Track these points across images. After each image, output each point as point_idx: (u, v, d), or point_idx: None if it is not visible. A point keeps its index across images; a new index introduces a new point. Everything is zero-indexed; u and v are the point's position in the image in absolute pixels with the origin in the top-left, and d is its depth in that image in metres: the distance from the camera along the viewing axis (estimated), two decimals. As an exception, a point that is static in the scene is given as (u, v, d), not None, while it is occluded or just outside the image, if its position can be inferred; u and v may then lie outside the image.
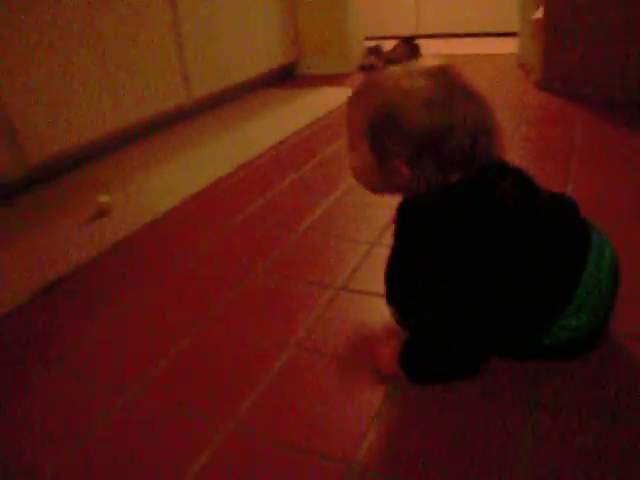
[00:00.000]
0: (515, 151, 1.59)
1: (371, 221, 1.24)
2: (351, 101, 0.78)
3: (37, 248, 1.26)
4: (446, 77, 0.73)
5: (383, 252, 1.09)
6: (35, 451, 0.71)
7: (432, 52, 3.27)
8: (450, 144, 0.69)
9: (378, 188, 0.80)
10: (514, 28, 2.92)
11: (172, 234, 1.27)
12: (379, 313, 0.92)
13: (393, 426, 0.70)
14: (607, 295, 0.74)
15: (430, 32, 3.95)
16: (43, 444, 0.72)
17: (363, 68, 2.85)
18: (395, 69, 0.75)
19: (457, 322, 0.73)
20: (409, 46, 2.95)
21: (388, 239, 1.14)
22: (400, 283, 0.78)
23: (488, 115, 0.74)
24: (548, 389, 0.73)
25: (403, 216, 0.76)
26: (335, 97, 2.37)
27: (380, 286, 0.98)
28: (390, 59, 2.86)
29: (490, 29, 3.81)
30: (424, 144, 0.69)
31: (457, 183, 0.71)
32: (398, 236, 0.77)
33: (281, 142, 1.87)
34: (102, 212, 1.40)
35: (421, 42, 3.15)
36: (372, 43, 3.16)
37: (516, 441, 0.66)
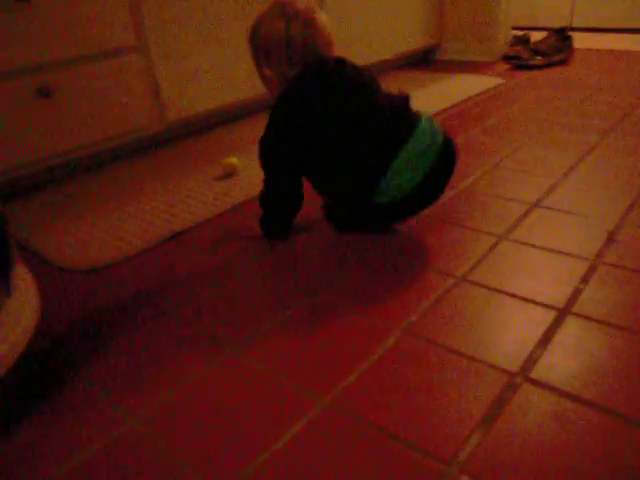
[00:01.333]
0: (674, 158, 1.42)
1: (499, 214, 1.16)
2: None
3: (166, 199, 1.31)
4: (290, 8, 1.02)
5: (510, 247, 1.02)
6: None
7: (586, 46, 3.02)
8: (288, 47, 1.01)
9: (271, 92, 1.10)
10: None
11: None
12: (498, 308, 0.85)
13: (501, 433, 0.64)
14: (424, 166, 0.97)
15: (585, 25, 3.66)
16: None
17: (507, 58, 2.69)
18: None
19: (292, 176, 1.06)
20: (561, 37, 2.75)
21: (517, 234, 1.06)
22: (265, 149, 1.05)
23: (313, 29, 1.02)
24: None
25: (273, 105, 1.04)
26: (475, 84, 2.26)
27: (502, 282, 0.92)
28: (538, 50, 2.68)
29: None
30: (272, 50, 1.03)
31: (299, 71, 1.02)
32: (269, 116, 1.04)
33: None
34: (229, 173, 1.44)
35: (576, 35, 2.93)
36: (519, 33, 2.98)
37: None
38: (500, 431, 0.64)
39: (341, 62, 1.04)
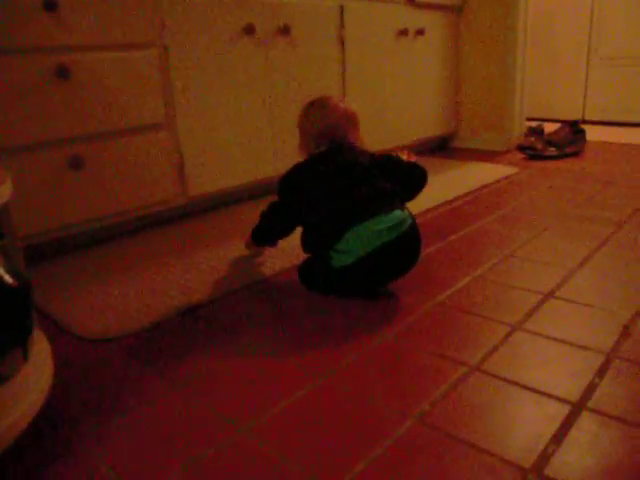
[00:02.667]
0: (688, 252, 1.42)
1: (513, 303, 1.17)
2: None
3: (183, 273, 1.34)
4: (328, 103, 1.35)
5: (524, 337, 1.02)
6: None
7: (598, 138, 3.10)
8: (314, 132, 1.32)
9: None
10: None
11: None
12: (512, 400, 0.84)
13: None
14: (373, 245, 1.13)
15: (597, 118, 3.77)
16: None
17: (522, 148, 2.77)
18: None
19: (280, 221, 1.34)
20: (574, 130, 2.83)
21: (531, 324, 1.06)
22: (278, 189, 1.30)
23: (338, 123, 1.31)
24: None
25: None
26: (490, 173, 2.32)
27: (516, 373, 0.91)
28: (552, 141, 2.76)
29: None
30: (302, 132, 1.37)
31: (318, 151, 1.30)
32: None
33: (429, 209, 1.85)
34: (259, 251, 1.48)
35: (588, 128, 3.02)
36: (534, 124, 3.08)
37: None
38: (514, 531, 0.62)
39: (340, 147, 1.28)
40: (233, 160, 1.82)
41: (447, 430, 0.79)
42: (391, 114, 2.46)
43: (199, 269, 1.37)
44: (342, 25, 2.11)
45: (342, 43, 2.13)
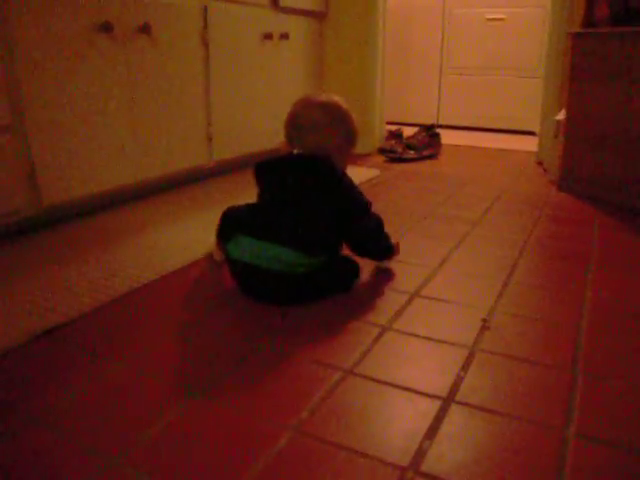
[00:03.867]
0: (533, 249, 1.57)
1: (383, 304, 1.21)
2: None
3: (37, 292, 1.22)
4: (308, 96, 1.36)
5: (394, 337, 1.06)
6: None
7: (451, 142, 3.32)
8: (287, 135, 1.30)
9: None
10: (533, 127, 2.98)
11: (179, 293, 1.23)
12: (386, 401, 0.87)
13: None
14: (237, 256, 1.18)
15: (450, 123, 4.05)
16: None
17: (383, 151, 2.89)
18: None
19: None
20: (430, 134, 3.01)
21: (400, 324, 1.10)
22: None
23: (301, 122, 1.28)
24: None
25: None
26: (354, 175, 2.38)
27: (388, 373, 0.94)
28: (410, 144, 2.91)
29: (509, 126, 3.90)
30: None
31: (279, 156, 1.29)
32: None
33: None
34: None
35: (442, 131, 3.23)
36: (393, 127, 3.23)
37: None
38: (395, 532, 0.63)
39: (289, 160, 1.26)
40: (92, 166, 1.70)
41: (326, 438, 0.79)
42: (256, 117, 2.45)
43: (55, 286, 1.26)
44: (206, 26, 2.06)
45: (206, 44, 2.08)
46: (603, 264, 1.45)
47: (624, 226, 1.79)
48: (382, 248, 1.33)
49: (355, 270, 1.28)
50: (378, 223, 1.30)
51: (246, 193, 2.05)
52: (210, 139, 2.18)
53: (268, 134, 2.54)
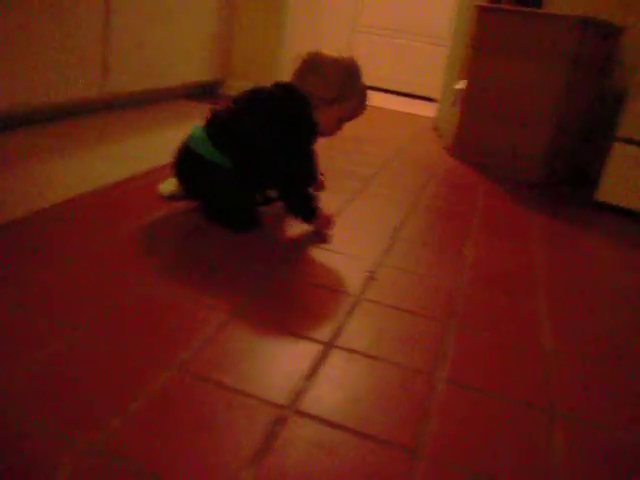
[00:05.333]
0: (421, 208, 1.64)
1: (281, 254, 1.21)
2: None
3: None
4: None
5: (281, 284, 1.07)
6: None
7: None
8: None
9: None
10: (434, 94, 3.07)
11: (57, 229, 1.17)
12: (269, 345, 0.88)
13: (272, 467, 0.65)
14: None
15: (355, 82, 4.06)
16: None
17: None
18: None
19: None
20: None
21: (288, 272, 1.12)
22: None
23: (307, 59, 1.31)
24: (431, 445, 0.72)
25: None
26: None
27: (273, 318, 0.95)
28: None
29: (412, 91, 3.99)
30: None
31: None
32: None
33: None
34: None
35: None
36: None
37: None
38: (270, 466, 0.65)
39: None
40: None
41: (208, 377, 0.79)
42: (158, 53, 2.32)
43: None
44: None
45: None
46: (484, 227, 1.55)
47: (506, 195, 1.91)
48: (301, 200, 1.30)
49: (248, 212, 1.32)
50: (302, 181, 1.33)
51: (144, 129, 1.96)
52: (107, 69, 2.04)
53: (169, 71, 2.42)
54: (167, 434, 0.68)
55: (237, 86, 2.96)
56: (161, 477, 0.62)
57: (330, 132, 1.36)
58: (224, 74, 2.93)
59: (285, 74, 2.94)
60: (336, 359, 0.87)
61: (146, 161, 1.65)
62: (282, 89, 1.30)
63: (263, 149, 1.24)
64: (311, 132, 1.32)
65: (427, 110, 3.34)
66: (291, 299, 1.03)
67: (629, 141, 1.88)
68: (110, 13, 1.99)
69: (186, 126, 2.07)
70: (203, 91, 2.90)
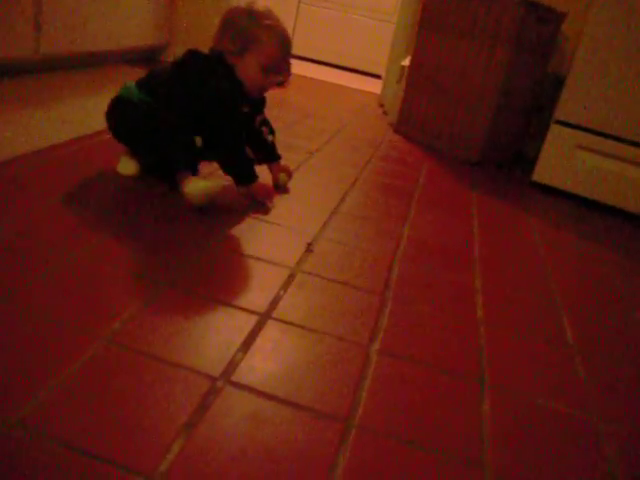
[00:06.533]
0: (363, 183, 1.64)
1: (212, 225, 1.19)
2: None
3: None
4: None
5: (220, 256, 1.05)
6: None
7: (301, 73, 3.31)
8: None
9: None
10: (380, 71, 3.07)
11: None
12: (204, 315, 0.86)
13: (203, 438, 0.64)
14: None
15: (302, 54, 4.02)
16: None
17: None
18: None
19: None
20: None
21: (227, 244, 1.09)
22: None
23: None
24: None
25: None
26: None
27: (209, 289, 0.93)
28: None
29: (358, 66, 3.97)
30: None
31: None
32: None
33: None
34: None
35: (293, 62, 3.20)
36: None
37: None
38: (202, 436, 0.64)
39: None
40: None
41: (139, 348, 0.77)
42: (94, 13, 2.20)
43: None
44: None
45: None
46: (424, 203, 1.57)
47: (447, 173, 1.94)
48: (234, 157, 1.27)
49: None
50: (233, 139, 1.27)
51: (82, 92, 1.87)
52: (39, 28, 1.92)
53: (106, 33, 2.31)
54: (96, 407, 0.65)
55: (178, 51, 2.86)
56: (90, 450, 0.59)
57: (257, 87, 1.29)
58: (167, 39, 2.83)
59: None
60: (271, 330, 0.86)
61: (82, 125, 1.58)
62: (210, 56, 1.30)
63: (188, 97, 1.24)
64: (227, 90, 1.24)
65: (373, 86, 3.35)
66: (227, 271, 1.01)
67: (565, 124, 1.93)
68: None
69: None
70: (145, 57, 2.80)
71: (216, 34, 1.29)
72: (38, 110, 1.64)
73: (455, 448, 0.71)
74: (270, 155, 1.47)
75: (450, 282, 1.15)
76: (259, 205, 1.29)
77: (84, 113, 1.71)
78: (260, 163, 1.42)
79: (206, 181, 1.23)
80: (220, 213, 1.23)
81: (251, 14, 1.25)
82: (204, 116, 1.22)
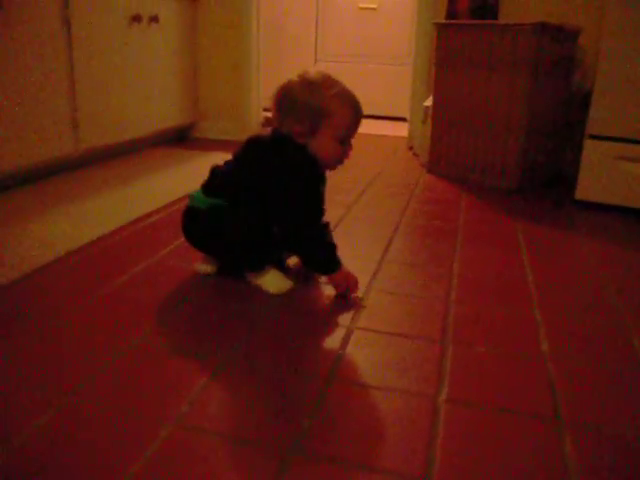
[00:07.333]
0: (405, 228, 1.64)
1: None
2: None
3: None
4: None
5: (276, 316, 1.06)
6: None
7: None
8: None
9: None
10: (403, 113, 3.11)
11: (36, 295, 1.15)
12: (267, 388, 0.87)
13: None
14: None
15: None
16: None
17: (260, 137, 2.87)
18: None
19: None
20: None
21: (283, 307, 1.11)
22: None
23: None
24: (441, 471, 0.71)
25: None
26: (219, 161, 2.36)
27: (274, 353, 0.94)
28: (287, 131, 2.92)
29: (381, 112, 4.03)
30: None
31: None
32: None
33: (168, 204, 1.79)
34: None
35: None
36: (269, 114, 3.22)
37: None
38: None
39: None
40: None
41: (205, 428, 0.77)
42: (126, 104, 2.33)
43: None
44: (67, 5, 1.92)
45: (68, 24, 1.94)
46: (469, 240, 1.55)
47: (487, 206, 1.92)
48: (315, 250, 1.17)
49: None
50: (321, 235, 1.18)
51: (118, 184, 1.95)
52: (76, 126, 2.04)
53: (140, 120, 2.43)
54: (170, 494, 0.66)
55: (207, 127, 2.98)
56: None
57: (335, 159, 1.19)
58: (194, 117, 2.95)
59: (254, 110, 2.98)
60: (337, 393, 0.85)
61: (127, 213, 1.65)
62: (274, 139, 1.19)
63: (261, 190, 1.16)
64: (305, 176, 1.16)
65: (400, 130, 3.38)
66: (285, 335, 1.02)
67: (599, 137, 1.90)
68: (74, 72, 2.00)
69: (162, 173, 2.08)
70: (176, 136, 2.91)
71: (275, 116, 1.17)
72: (82, 204, 1.72)
73: (543, 496, 0.68)
74: None
75: (509, 318, 1.12)
76: (341, 298, 1.18)
77: (125, 202, 1.78)
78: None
79: (284, 279, 1.19)
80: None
81: (311, 87, 1.14)
82: (278, 201, 1.14)
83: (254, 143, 1.21)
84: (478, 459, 0.73)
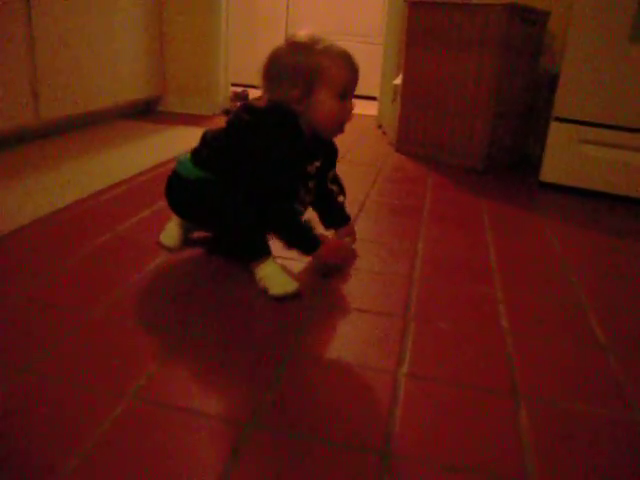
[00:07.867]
0: (370, 206, 1.63)
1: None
2: None
3: None
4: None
5: (247, 293, 1.05)
6: None
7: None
8: None
9: None
10: (374, 92, 3.09)
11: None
12: (228, 365, 0.86)
13: (238, 487, 0.63)
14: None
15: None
16: None
17: (227, 112, 2.84)
18: None
19: None
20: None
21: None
22: None
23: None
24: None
25: None
26: (196, 137, 2.31)
27: (236, 335, 0.93)
28: (256, 106, 2.88)
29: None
30: None
31: None
32: None
33: (131, 178, 1.76)
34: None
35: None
36: (239, 89, 3.17)
37: None
38: (235, 486, 0.63)
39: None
40: None
41: (163, 402, 0.76)
42: (90, 74, 2.26)
43: None
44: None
45: (25, -12, 1.86)
46: (434, 219, 1.56)
47: (453, 185, 1.93)
48: (291, 227, 1.13)
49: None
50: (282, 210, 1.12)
51: (79, 156, 1.90)
52: (37, 95, 1.97)
53: (104, 92, 2.36)
54: (134, 461, 0.65)
55: (174, 101, 2.92)
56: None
57: (338, 122, 1.14)
58: (160, 90, 2.88)
59: (222, 85, 2.93)
60: (297, 368, 0.85)
61: (89, 185, 1.60)
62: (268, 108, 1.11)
63: (242, 161, 1.10)
64: (278, 135, 1.09)
65: (370, 109, 3.36)
66: (245, 311, 1.01)
67: (565, 120, 1.92)
68: (34, 39, 1.92)
69: (125, 146, 2.04)
70: (141, 110, 2.85)
71: (267, 85, 1.12)
72: (42, 175, 1.67)
73: (497, 467, 0.69)
74: (339, 219, 1.33)
75: (471, 295, 1.13)
76: (335, 271, 1.18)
77: (86, 174, 1.74)
78: (328, 228, 1.31)
79: (289, 280, 1.08)
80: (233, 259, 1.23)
81: (299, 47, 1.09)
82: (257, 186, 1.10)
83: (242, 114, 1.12)
84: (436, 431, 0.74)
